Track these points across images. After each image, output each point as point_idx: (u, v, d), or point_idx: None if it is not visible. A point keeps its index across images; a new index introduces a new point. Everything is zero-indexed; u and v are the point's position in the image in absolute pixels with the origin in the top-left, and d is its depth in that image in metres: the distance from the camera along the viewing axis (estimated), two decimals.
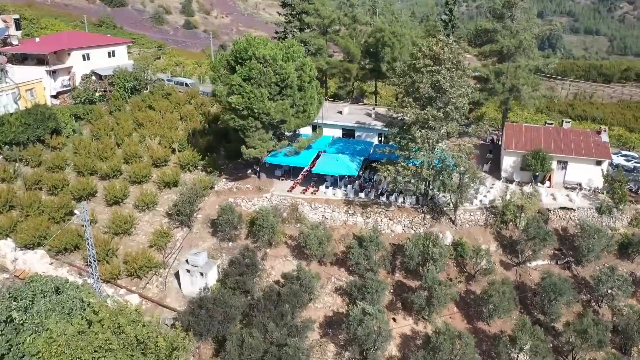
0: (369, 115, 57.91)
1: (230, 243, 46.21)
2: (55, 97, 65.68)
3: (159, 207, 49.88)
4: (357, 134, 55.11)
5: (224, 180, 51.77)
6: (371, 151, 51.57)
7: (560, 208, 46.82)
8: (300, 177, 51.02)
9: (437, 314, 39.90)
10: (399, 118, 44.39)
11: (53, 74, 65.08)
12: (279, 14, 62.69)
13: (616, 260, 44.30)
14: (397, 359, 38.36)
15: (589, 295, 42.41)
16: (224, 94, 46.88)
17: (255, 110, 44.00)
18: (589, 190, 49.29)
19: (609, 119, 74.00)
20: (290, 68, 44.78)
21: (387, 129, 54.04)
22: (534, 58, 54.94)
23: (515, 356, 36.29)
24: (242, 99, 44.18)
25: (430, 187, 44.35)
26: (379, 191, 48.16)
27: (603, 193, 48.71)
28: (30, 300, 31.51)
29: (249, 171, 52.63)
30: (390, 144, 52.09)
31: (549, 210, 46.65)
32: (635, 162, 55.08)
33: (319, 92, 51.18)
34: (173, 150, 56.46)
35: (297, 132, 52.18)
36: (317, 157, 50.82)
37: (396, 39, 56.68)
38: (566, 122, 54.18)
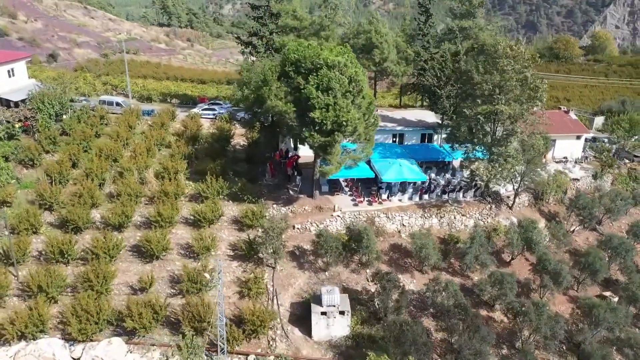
0: None
1: (327, 273, 41.46)
2: None
3: (213, 251, 41.60)
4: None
5: (273, 205, 45.55)
6: (406, 152, 51.32)
7: (571, 180, 54.19)
8: (352, 187, 48.11)
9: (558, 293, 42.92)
10: (472, 115, 45.24)
11: None
12: (248, 16, 56.45)
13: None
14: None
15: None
16: (291, 109, 41.29)
17: (344, 124, 40.07)
18: (572, 162, 57.97)
19: None
20: (361, 74, 41.90)
21: (400, 129, 54.92)
22: None
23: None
24: (327, 112, 39.70)
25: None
26: (439, 190, 48.64)
27: (582, 162, 57.92)
28: None
29: (291, 191, 47.36)
30: (429, 145, 53.11)
31: None
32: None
33: None
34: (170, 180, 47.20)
35: None
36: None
37: (383, 39, 56.86)
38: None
